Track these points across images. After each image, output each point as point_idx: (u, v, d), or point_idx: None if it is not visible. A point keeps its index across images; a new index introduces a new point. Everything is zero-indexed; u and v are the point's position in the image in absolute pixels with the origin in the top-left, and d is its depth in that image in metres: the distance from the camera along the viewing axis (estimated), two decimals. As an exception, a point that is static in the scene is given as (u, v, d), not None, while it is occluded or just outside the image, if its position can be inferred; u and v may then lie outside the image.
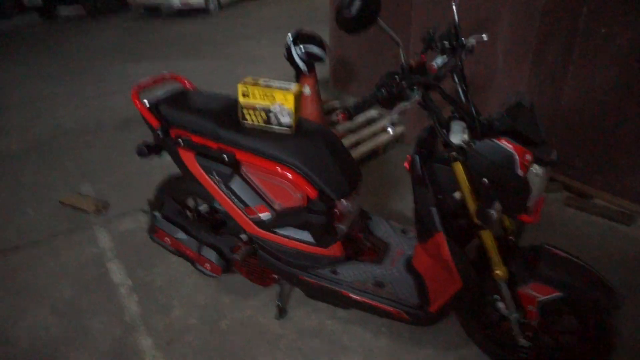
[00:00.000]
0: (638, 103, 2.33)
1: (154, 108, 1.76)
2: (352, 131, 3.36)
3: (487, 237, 1.41)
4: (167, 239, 1.95)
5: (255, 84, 1.58)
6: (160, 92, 1.83)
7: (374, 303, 1.60)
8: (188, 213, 2.05)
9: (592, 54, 2.44)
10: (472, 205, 1.37)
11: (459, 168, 1.35)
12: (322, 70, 4.25)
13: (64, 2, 9.75)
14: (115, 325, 1.97)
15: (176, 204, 1.99)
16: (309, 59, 2.88)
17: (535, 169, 1.28)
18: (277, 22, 8.88)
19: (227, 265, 1.86)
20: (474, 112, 1.33)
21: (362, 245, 1.82)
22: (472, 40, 1.46)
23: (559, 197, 2.68)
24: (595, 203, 2.59)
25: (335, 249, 1.65)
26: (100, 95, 4.96)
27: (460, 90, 1.40)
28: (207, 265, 1.87)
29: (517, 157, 1.26)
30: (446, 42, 1.46)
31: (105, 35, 8.23)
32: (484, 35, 1.52)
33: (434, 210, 1.43)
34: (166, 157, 1.87)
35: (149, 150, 1.78)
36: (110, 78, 5.57)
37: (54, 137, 3.95)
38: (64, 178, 3.22)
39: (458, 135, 1.31)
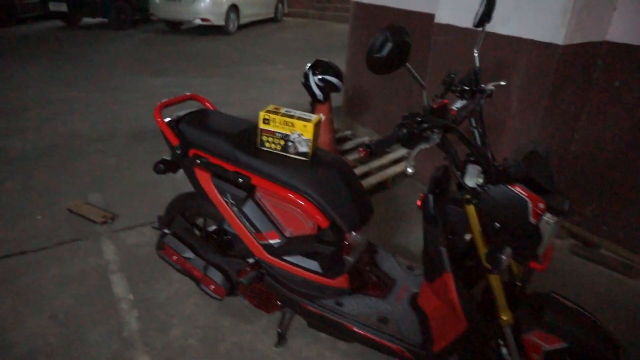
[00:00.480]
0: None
1: (175, 126, 1.79)
2: (361, 162, 3.39)
3: (495, 281, 1.41)
4: (174, 257, 1.96)
5: (277, 112, 1.62)
6: (181, 111, 1.88)
7: (376, 339, 1.59)
8: (197, 232, 2.06)
9: (605, 106, 2.48)
10: (482, 249, 1.37)
11: (471, 210, 1.36)
12: (336, 98, 4.32)
13: (88, 13, 9.99)
14: (113, 340, 1.96)
15: (186, 222, 2.00)
16: (326, 87, 2.95)
17: (548, 217, 1.29)
18: (294, 46, 9.06)
19: (231, 288, 1.86)
20: (490, 156, 1.36)
21: (367, 279, 1.82)
22: (491, 87, 1.51)
23: (565, 244, 2.68)
24: (602, 253, 2.58)
25: (341, 281, 1.66)
26: (116, 103, 5.03)
27: (477, 134, 1.43)
28: (212, 287, 1.87)
29: (530, 204, 1.27)
30: (466, 87, 1.50)
31: (125, 46, 8.42)
32: (502, 82, 1.56)
33: (443, 250, 1.44)
34: (178, 173, 1.90)
35: (166, 167, 1.82)
36: (127, 88, 5.66)
37: (67, 141, 4.00)
38: (74, 184, 3.25)
39: (473, 179, 1.34)
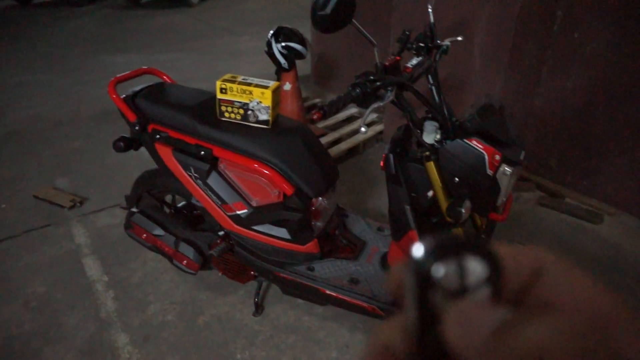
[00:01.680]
0: (606, 107, 2.41)
1: (131, 101, 1.74)
2: (332, 129, 3.38)
3: (458, 235, 1.45)
4: (143, 235, 1.94)
5: (234, 81, 1.58)
6: (138, 86, 1.82)
7: (349, 299, 1.63)
8: (166, 209, 2.04)
9: (565, 58, 2.51)
10: (443, 203, 1.40)
11: (431, 167, 1.38)
12: (304, 67, 4.25)
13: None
14: (91, 322, 1.96)
15: (153, 200, 1.98)
16: (290, 55, 2.89)
17: (504, 168, 1.32)
18: (259, 16, 8.82)
19: (204, 262, 1.86)
20: (446, 112, 1.37)
21: (338, 243, 1.85)
22: (447, 42, 1.50)
23: (532, 196, 2.75)
24: (567, 202, 2.67)
25: (311, 246, 1.68)
26: (77, 85, 4.85)
27: (434, 90, 1.44)
28: (184, 262, 1.87)
29: (486, 157, 1.30)
30: (421, 43, 1.49)
31: (82, 24, 8.04)
32: (459, 38, 1.56)
33: (407, 208, 1.46)
34: (145, 151, 1.86)
35: (126, 144, 1.77)
36: (87, 68, 5.45)
37: (28, 127, 3.85)
38: (39, 170, 3.16)
39: (431, 135, 1.35)
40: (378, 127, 3.38)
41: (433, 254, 0.21)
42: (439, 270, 0.21)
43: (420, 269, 0.21)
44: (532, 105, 2.71)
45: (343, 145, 3.12)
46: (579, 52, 2.44)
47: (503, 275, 0.21)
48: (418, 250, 0.22)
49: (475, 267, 0.21)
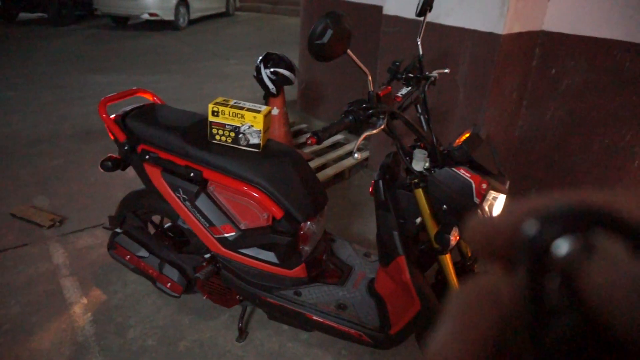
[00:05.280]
0: (583, 139, 2.52)
1: (121, 121, 1.74)
2: (318, 154, 3.41)
3: (445, 261, 1.47)
4: (127, 256, 1.91)
5: (226, 104, 1.60)
6: (128, 106, 1.82)
7: (336, 325, 1.62)
8: (150, 230, 2.02)
9: (542, 93, 2.63)
10: (432, 230, 1.43)
11: (420, 194, 1.41)
12: (291, 92, 4.32)
13: (26, 8, 9.39)
14: (67, 346, 1.88)
15: (138, 221, 1.95)
16: (278, 80, 2.94)
17: (491, 197, 1.36)
18: (247, 40, 8.95)
19: (188, 285, 1.83)
20: (435, 141, 1.41)
21: (325, 268, 1.85)
22: (434, 74, 1.56)
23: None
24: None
25: (299, 271, 1.67)
26: (58, 102, 4.78)
27: (422, 120, 1.48)
28: (168, 284, 1.84)
29: (474, 185, 1.33)
30: (410, 74, 1.55)
31: (68, 43, 8.01)
32: (446, 70, 1.62)
33: (395, 234, 1.48)
34: (128, 171, 1.84)
35: (114, 164, 1.76)
36: (71, 87, 5.39)
37: (6, 144, 3.77)
38: (17, 188, 3.07)
39: (420, 163, 1.39)
40: (364, 154, 3.44)
41: (555, 225, 0.17)
42: (562, 246, 0.17)
43: (536, 244, 0.17)
44: (513, 137, 2.81)
45: (329, 171, 3.15)
46: (555, 86, 2.56)
47: None
48: (532, 225, 0.17)
49: (610, 247, 0.16)
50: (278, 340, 1.94)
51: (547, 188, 2.75)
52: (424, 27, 1.53)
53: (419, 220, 1.48)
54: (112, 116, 1.74)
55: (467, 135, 1.43)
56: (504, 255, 0.20)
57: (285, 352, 1.89)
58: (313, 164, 3.21)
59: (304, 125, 4.06)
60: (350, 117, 1.26)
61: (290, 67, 2.97)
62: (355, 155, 1.21)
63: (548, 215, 0.18)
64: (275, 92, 3.01)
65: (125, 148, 1.71)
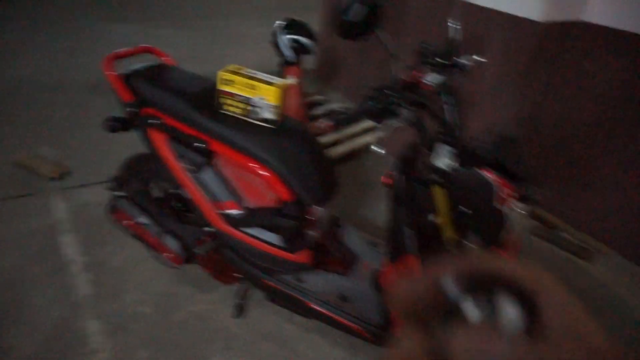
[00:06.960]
0: (606, 144, 2.38)
1: (127, 80, 1.64)
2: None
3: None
4: (127, 221, 1.85)
5: (238, 73, 1.50)
6: (136, 64, 1.71)
7: (335, 317, 1.57)
8: (153, 196, 1.95)
9: (570, 87, 2.47)
10: (447, 231, 1.35)
11: (438, 192, 1.32)
12: (307, 60, 4.15)
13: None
14: (60, 304, 1.86)
15: (142, 185, 1.88)
16: (297, 49, 2.80)
17: (514, 204, 1.27)
18: (268, 2, 8.64)
19: (188, 257, 1.78)
20: (459, 137, 1.30)
21: (329, 255, 1.78)
22: (470, 62, 1.43)
23: (526, 224, 2.73)
24: (560, 235, 2.64)
25: (303, 256, 1.61)
26: (69, 51, 4.65)
27: (449, 112, 1.37)
28: (167, 254, 1.78)
29: (496, 189, 1.24)
30: (441, 59, 1.42)
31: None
32: (482, 59, 1.48)
33: (409, 232, 1.40)
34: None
35: (118, 125, 1.67)
36: (82, 35, 5.24)
37: (12, 90, 3.68)
38: (21, 137, 3.01)
39: (443, 160, 1.29)
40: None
41: (464, 288, 0.20)
42: (470, 307, 0.20)
43: (449, 300, 0.20)
44: (534, 132, 2.68)
45: (341, 148, 3.05)
46: (586, 80, 2.40)
47: (539, 319, 0.20)
48: (447, 280, 0.21)
49: (510, 313, 0.20)
50: (275, 320, 1.91)
51: (564, 190, 2.64)
52: (458, 6, 1.39)
53: (432, 217, 1.40)
54: (118, 73, 1.64)
55: (494, 133, 1.32)
56: (423, 318, 0.24)
57: (281, 333, 1.85)
58: (325, 139, 3.11)
59: (320, 97, 3.92)
60: (372, 104, 1.16)
61: (310, 34, 2.81)
62: (376, 149, 1.12)
63: (457, 277, 0.21)
64: (293, 61, 2.87)
65: (132, 109, 1.62)
